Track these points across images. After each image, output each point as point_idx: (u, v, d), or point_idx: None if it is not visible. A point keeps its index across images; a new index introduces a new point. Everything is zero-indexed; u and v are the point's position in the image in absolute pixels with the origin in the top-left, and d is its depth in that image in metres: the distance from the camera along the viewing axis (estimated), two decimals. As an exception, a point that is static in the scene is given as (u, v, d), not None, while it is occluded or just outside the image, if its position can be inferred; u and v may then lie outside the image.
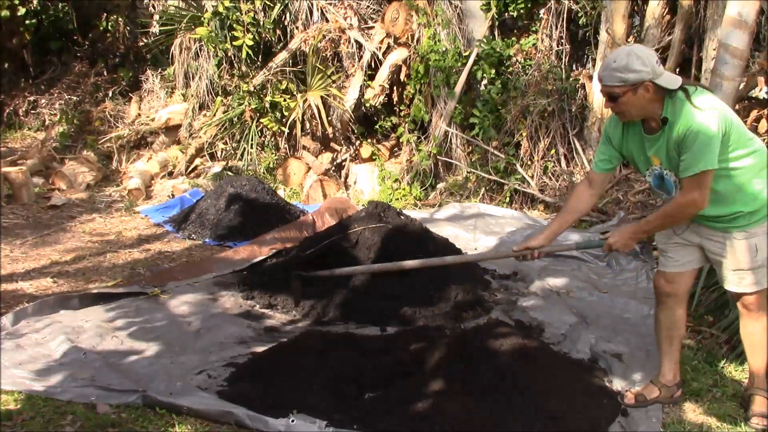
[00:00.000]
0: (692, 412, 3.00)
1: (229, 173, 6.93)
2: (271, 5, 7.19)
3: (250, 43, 7.00)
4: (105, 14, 8.65)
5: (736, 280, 2.85)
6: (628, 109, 2.71)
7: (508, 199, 6.16)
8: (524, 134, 6.16)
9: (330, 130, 7.11)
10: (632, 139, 2.86)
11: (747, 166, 2.73)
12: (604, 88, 2.72)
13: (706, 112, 2.61)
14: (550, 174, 6.19)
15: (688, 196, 2.68)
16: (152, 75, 8.15)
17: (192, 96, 7.47)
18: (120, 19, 8.69)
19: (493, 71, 6.35)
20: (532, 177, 6.07)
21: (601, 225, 5.09)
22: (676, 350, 3.05)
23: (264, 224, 5.38)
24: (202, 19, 7.25)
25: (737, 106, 5.11)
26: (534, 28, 6.59)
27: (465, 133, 6.59)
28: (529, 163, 6.19)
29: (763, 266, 2.81)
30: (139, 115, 7.99)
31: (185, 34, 7.44)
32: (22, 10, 8.00)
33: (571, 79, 6.37)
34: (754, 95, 5.16)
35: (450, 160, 6.63)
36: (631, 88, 2.64)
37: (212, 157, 7.32)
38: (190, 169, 7.28)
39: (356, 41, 7.07)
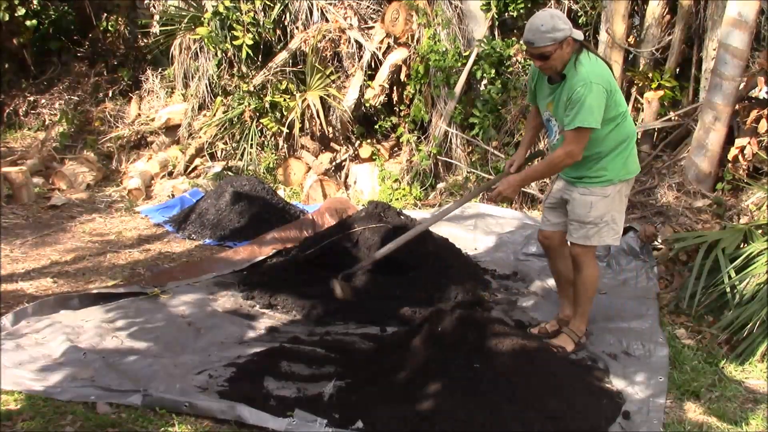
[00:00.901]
0: (692, 412, 3.01)
1: (229, 173, 6.92)
2: (271, 5, 7.19)
3: (250, 42, 7.00)
4: (105, 14, 8.64)
5: (571, 229, 3.41)
6: (556, 63, 3.13)
7: (508, 199, 6.16)
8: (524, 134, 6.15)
9: (330, 130, 7.11)
10: (540, 85, 3.37)
11: (607, 134, 3.20)
12: (536, 50, 3.09)
13: (594, 78, 3.05)
14: (549, 174, 6.17)
15: (567, 148, 3.14)
16: (152, 75, 8.14)
17: (192, 96, 7.47)
18: (120, 19, 8.68)
19: (493, 71, 6.34)
20: (532, 177, 6.06)
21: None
22: (568, 289, 3.66)
23: (264, 224, 5.38)
24: (203, 19, 7.25)
25: (737, 106, 5.11)
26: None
27: (465, 133, 6.58)
28: (529, 163, 6.18)
29: (594, 224, 3.30)
30: (139, 115, 7.98)
31: (185, 34, 7.44)
32: (21, 11, 8.00)
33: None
34: (754, 95, 5.15)
35: (450, 160, 6.62)
36: (559, 45, 3.07)
37: (212, 157, 7.32)
38: (190, 169, 7.27)
39: (356, 41, 7.06)
